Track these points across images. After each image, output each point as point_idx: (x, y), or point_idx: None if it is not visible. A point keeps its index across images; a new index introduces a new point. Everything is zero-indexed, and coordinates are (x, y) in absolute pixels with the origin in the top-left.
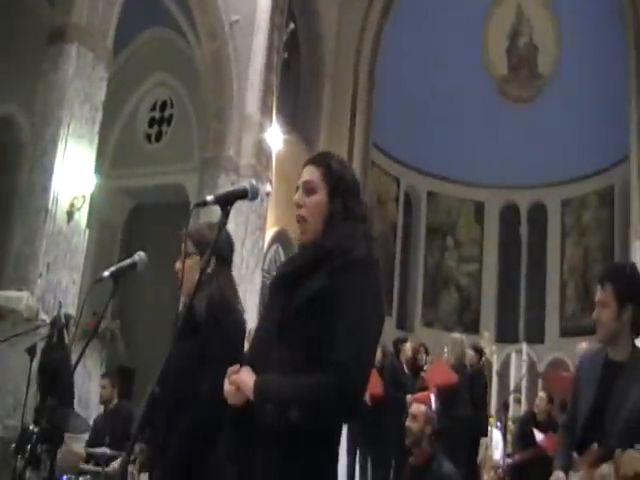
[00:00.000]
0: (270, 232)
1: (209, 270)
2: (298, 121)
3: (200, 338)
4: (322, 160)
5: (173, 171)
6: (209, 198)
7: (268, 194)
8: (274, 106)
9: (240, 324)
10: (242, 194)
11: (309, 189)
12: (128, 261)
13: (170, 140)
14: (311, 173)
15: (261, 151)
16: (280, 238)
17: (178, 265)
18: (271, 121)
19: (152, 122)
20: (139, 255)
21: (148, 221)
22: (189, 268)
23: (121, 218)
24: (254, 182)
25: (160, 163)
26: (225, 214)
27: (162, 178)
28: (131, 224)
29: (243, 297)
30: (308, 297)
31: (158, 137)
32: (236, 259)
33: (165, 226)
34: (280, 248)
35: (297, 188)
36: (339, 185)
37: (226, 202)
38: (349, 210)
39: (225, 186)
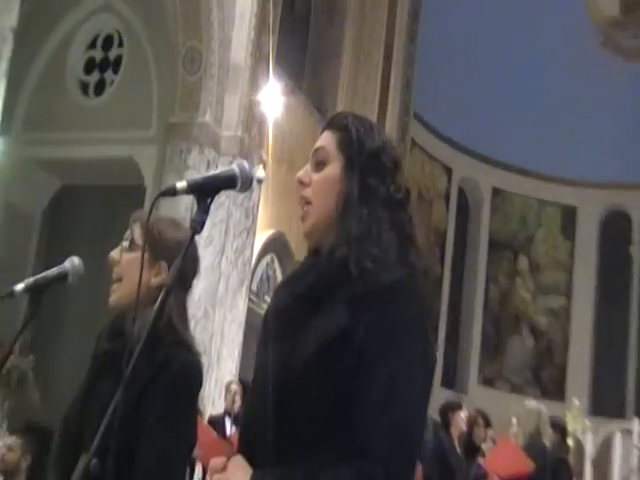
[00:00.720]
0: (262, 237)
1: (156, 281)
2: (306, 77)
3: (138, 379)
4: (339, 121)
5: (120, 139)
6: (180, 185)
7: (260, 181)
8: (272, 53)
9: (197, 372)
10: (229, 182)
11: (319, 161)
12: (55, 270)
13: (117, 94)
14: (325, 139)
15: (252, 118)
16: (276, 246)
17: (115, 255)
18: (267, 75)
19: (90, 66)
20: (72, 262)
21: (80, 210)
22: (128, 263)
23: (40, 204)
24: (246, 164)
25: (101, 127)
26: (203, 210)
27: (103, 149)
28: (55, 213)
29: (219, 329)
30: (320, 344)
31: (99, 89)
32: (211, 275)
33: (105, 218)
34: (275, 260)
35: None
36: (359, 154)
37: (205, 192)
38: (371, 191)
39: (198, 166)
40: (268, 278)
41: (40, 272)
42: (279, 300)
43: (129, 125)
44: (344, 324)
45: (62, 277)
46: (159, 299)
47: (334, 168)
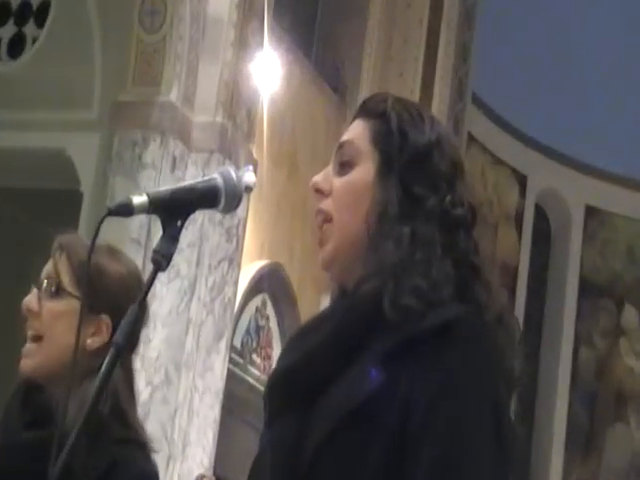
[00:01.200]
0: (250, 270)
1: (95, 343)
2: (317, 41)
3: None
4: (375, 106)
5: (45, 124)
6: (138, 200)
7: (249, 189)
8: (268, 4)
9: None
10: (208, 198)
11: (345, 160)
12: None
13: (42, 57)
14: (355, 131)
15: (238, 98)
16: (270, 283)
17: (30, 300)
18: (261, 36)
19: (3, 15)
20: None
21: None
22: (52, 316)
23: None
24: (233, 173)
25: (18, 104)
26: (170, 237)
27: (20, 137)
28: None
29: (186, 401)
30: (345, 412)
31: (15, 48)
32: (176, 323)
33: (21, 235)
34: (269, 303)
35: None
36: (399, 151)
37: (174, 212)
38: (417, 204)
39: (159, 166)
40: (258, 329)
41: None
42: (289, 359)
43: (59, 103)
44: (374, 387)
45: None
46: (105, 365)
47: (365, 171)
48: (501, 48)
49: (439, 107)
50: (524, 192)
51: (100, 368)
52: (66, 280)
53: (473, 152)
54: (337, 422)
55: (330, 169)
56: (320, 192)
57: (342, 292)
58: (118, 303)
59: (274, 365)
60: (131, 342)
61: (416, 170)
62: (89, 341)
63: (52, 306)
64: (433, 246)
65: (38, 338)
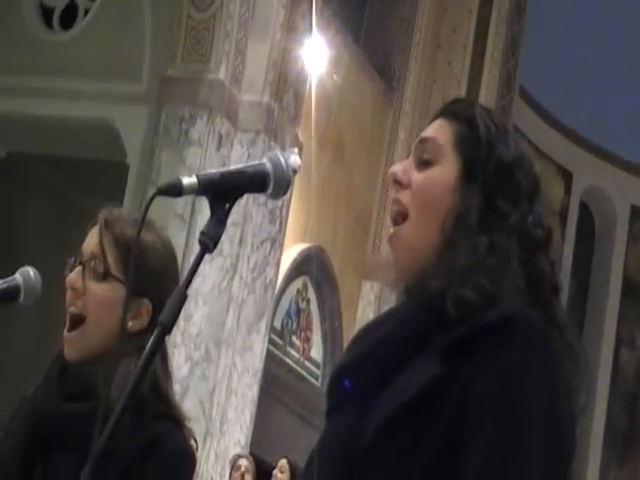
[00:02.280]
0: (292, 252)
1: (135, 326)
2: (366, 25)
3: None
4: (462, 110)
5: (95, 94)
6: (188, 181)
7: (294, 172)
8: None
9: (193, 459)
10: (257, 182)
11: (425, 158)
12: (0, 283)
13: (93, 29)
14: (437, 129)
15: (285, 80)
16: (312, 266)
17: (75, 279)
18: (310, 19)
19: None
20: (25, 274)
21: (31, 190)
22: (98, 299)
23: None
24: (282, 158)
25: (68, 74)
26: (218, 220)
27: (69, 106)
28: None
29: (225, 379)
30: (396, 407)
31: (67, 19)
32: (218, 301)
33: (67, 204)
34: (310, 286)
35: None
36: (486, 161)
37: (224, 195)
38: (499, 218)
39: (205, 142)
40: (298, 312)
41: None
42: (354, 353)
43: (109, 75)
44: (432, 378)
45: (10, 296)
46: (150, 344)
47: (446, 171)
48: (550, 43)
49: (486, 98)
50: (569, 189)
51: (139, 350)
52: (112, 262)
53: None
54: (393, 412)
55: (409, 161)
56: (398, 183)
57: (406, 291)
58: (158, 287)
59: (341, 358)
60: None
61: (500, 183)
62: (130, 324)
63: (98, 289)
64: (509, 257)
65: (81, 319)
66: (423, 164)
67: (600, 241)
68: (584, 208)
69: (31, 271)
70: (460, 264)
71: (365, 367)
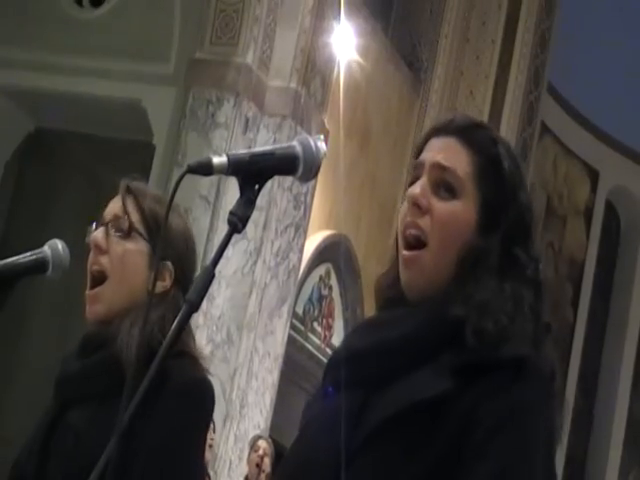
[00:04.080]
0: (315, 239)
1: (159, 287)
2: (395, 15)
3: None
4: (484, 143)
5: (123, 73)
6: (218, 161)
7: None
8: None
9: (210, 391)
10: (287, 165)
11: (446, 187)
12: (29, 257)
13: (123, 8)
14: (455, 157)
15: (313, 66)
16: (335, 254)
17: (99, 236)
18: (339, 7)
19: None
20: (54, 247)
21: (59, 165)
22: (121, 257)
23: (3, 153)
24: (312, 142)
25: (97, 52)
26: (247, 200)
27: (98, 84)
28: (23, 167)
29: (246, 362)
30: (410, 403)
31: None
32: (240, 284)
33: (94, 180)
34: (333, 273)
35: (415, 170)
36: (506, 207)
37: (253, 176)
38: (515, 266)
39: (231, 126)
40: (321, 298)
41: (2, 253)
42: (363, 341)
43: (137, 55)
44: (445, 390)
45: (39, 268)
46: (177, 321)
47: (468, 208)
48: (581, 41)
49: (514, 93)
50: (595, 187)
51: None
52: (135, 221)
53: (546, 142)
54: (402, 407)
55: (425, 183)
56: (417, 207)
57: (402, 293)
58: (180, 252)
59: (340, 344)
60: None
61: (517, 231)
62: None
63: (122, 246)
64: (523, 303)
65: (103, 277)
66: (443, 192)
67: (625, 240)
68: (610, 207)
69: (59, 244)
70: (481, 299)
71: (375, 360)
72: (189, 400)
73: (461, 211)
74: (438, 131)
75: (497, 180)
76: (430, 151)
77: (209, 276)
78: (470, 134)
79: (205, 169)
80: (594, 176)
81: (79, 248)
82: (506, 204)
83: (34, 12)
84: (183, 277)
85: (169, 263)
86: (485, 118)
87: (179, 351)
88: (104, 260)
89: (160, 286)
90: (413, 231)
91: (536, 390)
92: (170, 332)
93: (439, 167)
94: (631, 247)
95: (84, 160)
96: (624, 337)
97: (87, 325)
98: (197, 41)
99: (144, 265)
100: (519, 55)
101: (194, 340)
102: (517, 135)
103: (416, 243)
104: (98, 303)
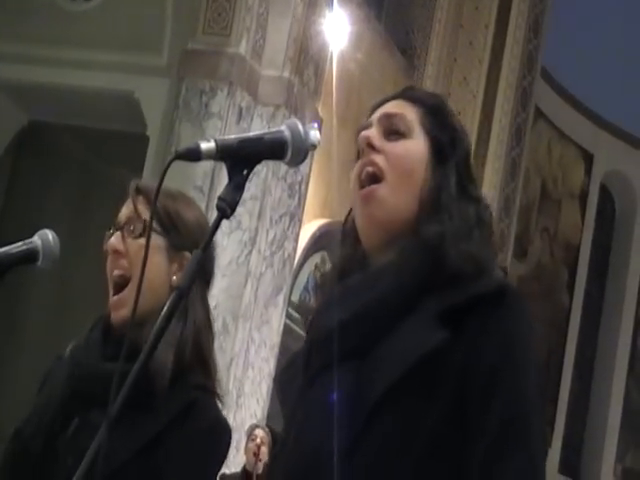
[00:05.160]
0: (310, 227)
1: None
2: (387, 3)
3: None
4: (423, 97)
5: (116, 65)
6: (206, 146)
7: (314, 147)
8: None
9: (229, 432)
10: (275, 149)
11: (395, 130)
12: (19, 247)
13: (115, 2)
14: (401, 107)
15: (306, 55)
16: (330, 242)
17: (116, 242)
18: None
19: None
20: (44, 237)
21: (53, 157)
22: (140, 254)
23: None
24: (300, 126)
25: (90, 44)
26: (236, 185)
27: (91, 76)
28: (17, 159)
29: (242, 351)
30: (404, 370)
31: None
32: (236, 274)
33: (88, 172)
34: (328, 262)
35: (367, 126)
36: (452, 145)
37: (241, 160)
38: (469, 197)
39: (225, 115)
40: (316, 287)
41: None
42: (342, 313)
43: (130, 46)
44: (440, 339)
45: (29, 258)
46: (166, 308)
47: (419, 146)
48: (574, 25)
49: (507, 78)
50: (590, 171)
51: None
52: (149, 218)
53: (540, 126)
54: (397, 377)
55: (376, 131)
56: (372, 147)
57: (363, 257)
58: (197, 241)
59: (312, 323)
60: (205, 278)
61: (466, 169)
62: (174, 278)
63: (139, 244)
64: (488, 232)
65: (125, 280)
66: (393, 135)
67: (620, 224)
68: (605, 191)
69: (50, 234)
70: (453, 230)
71: (357, 329)
72: (214, 440)
73: (414, 148)
74: (382, 102)
75: (441, 122)
76: (377, 113)
77: (198, 261)
78: (411, 93)
79: (193, 155)
80: (589, 159)
81: (74, 240)
82: (452, 141)
83: (26, 5)
84: (202, 269)
85: (187, 253)
86: (479, 103)
87: (205, 386)
88: (124, 263)
89: (177, 277)
90: (370, 168)
91: (520, 323)
92: (159, 320)
93: (387, 116)
94: (626, 230)
95: (78, 153)
96: (620, 321)
97: (106, 315)
98: (190, 31)
99: (163, 260)
100: (512, 40)
101: (213, 350)
102: (511, 120)
103: (372, 180)
104: (123, 308)
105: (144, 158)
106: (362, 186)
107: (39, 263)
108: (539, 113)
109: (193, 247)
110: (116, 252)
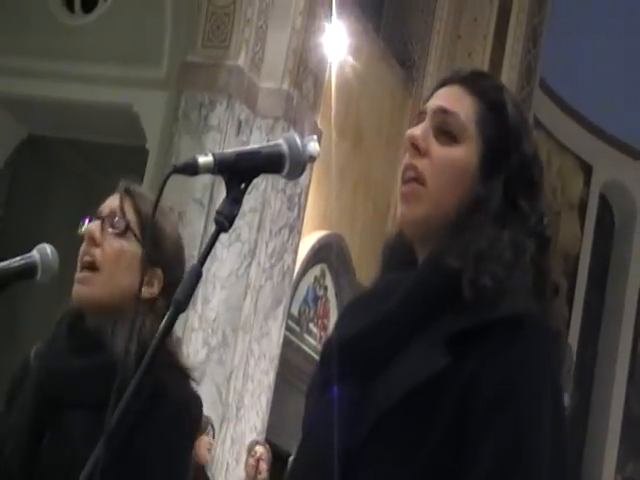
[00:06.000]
0: (310, 239)
1: (146, 293)
2: (387, 14)
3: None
4: (489, 90)
5: (115, 79)
6: (204, 160)
7: (313, 159)
8: None
9: (200, 408)
10: (273, 162)
11: (447, 131)
12: (18, 262)
13: (114, 14)
14: (458, 102)
15: (305, 67)
16: (330, 254)
17: (95, 229)
18: (330, 8)
19: None
20: (43, 251)
21: (52, 171)
22: (115, 253)
23: None
24: (298, 140)
25: (89, 58)
26: (234, 199)
27: (90, 90)
28: (16, 173)
29: (241, 364)
30: (404, 394)
31: (89, 3)
32: (235, 286)
33: (87, 186)
34: (328, 274)
35: (418, 119)
36: (508, 154)
37: (239, 174)
38: (518, 217)
39: (224, 128)
40: (316, 299)
41: None
42: (355, 326)
43: (129, 59)
44: (440, 366)
45: (28, 273)
46: (165, 321)
47: (468, 153)
48: (573, 36)
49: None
50: (589, 181)
51: (147, 315)
52: (132, 221)
53: (539, 138)
54: (400, 397)
55: (426, 127)
56: (417, 148)
57: (406, 263)
58: (171, 260)
59: (333, 330)
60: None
61: (522, 181)
62: (142, 289)
63: (116, 243)
64: (524, 255)
65: (94, 267)
66: (444, 136)
67: (619, 234)
68: (604, 202)
69: (48, 248)
70: (478, 249)
71: (369, 344)
72: (183, 420)
73: (461, 157)
74: (443, 83)
75: (500, 126)
76: (434, 99)
77: (196, 275)
78: (474, 81)
79: (191, 169)
80: (588, 170)
81: (72, 254)
82: (508, 151)
83: (26, 19)
84: (171, 286)
85: (159, 270)
86: None
87: (170, 363)
88: (97, 253)
89: (148, 292)
90: (409, 172)
91: (535, 355)
92: (158, 332)
93: (441, 111)
94: (625, 240)
95: (78, 166)
96: (619, 330)
97: (72, 308)
98: (188, 44)
99: (136, 267)
100: (511, 51)
101: (180, 348)
102: None
103: (413, 184)
104: (87, 285)
105: (143, 171)
106: (404, 182)
107: (38, 278)
108: (538, 124)
109: (166, 265)
110: (91, 239)
